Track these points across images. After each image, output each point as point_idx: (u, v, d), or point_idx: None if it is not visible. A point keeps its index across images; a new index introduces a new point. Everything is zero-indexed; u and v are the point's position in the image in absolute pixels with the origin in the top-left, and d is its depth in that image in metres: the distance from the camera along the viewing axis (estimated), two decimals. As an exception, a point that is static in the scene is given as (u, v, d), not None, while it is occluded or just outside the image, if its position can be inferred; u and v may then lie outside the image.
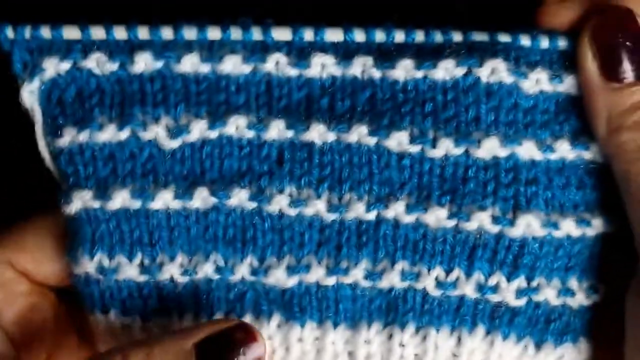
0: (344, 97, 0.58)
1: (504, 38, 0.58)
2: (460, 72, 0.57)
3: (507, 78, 0.57)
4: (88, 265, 0.59)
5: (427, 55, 0.58)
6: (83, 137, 0.58)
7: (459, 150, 0.57)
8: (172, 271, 0.59)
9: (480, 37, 0.58)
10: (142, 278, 0.59)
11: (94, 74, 0.58)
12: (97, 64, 0.58)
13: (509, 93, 0.57)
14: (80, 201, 0.58)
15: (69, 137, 0.58)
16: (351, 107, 0.58)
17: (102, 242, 0.59)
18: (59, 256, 0.61)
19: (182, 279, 0.59)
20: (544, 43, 0.58)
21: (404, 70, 0.57)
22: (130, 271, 0.59)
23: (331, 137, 0.58)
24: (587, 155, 0.58)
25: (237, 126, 0.58)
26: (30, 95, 0.58)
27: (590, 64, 0.56)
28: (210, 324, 0.54)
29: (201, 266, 0.59)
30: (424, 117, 0.58)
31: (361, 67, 0.58)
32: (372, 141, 0.58)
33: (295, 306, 0.60)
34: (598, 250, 0.60)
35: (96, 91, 0.58)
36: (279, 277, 0.59)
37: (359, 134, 0.58)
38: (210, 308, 0.60)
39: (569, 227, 0.58)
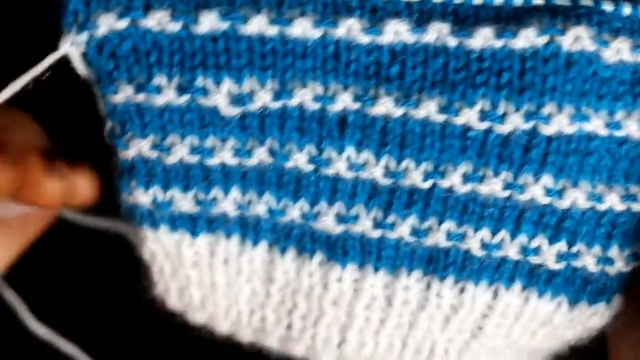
0: (415, 65, 0.55)
1: (586, 2, 0.54)
2: (542, 40, 0.54)
3: (590, 46, 0.54)
4: (142, 199, 0.57)
5: (505, 20, 0.54)
6: (140, 98, 0.54)
7: (527, 126, 0.55)
8: (226, 208, 0.58)
9: (562, 0, 0.54)
10: (197, 209, 0.58)
11: (152, 32, 0.53)
12: (158, 23, 0.52)
13: (588, 62, 0.55)
14: (137, 150, 0.56)
15: (123, 95, 0.54)
16: (422, 76, 0.55)
17: (157, 179, 0.57)
18: None
19: (235, 213, 0.58)
20: (626, 10, 0.55)
21: (482, 39, 0.54)
22: (185, 205, 0.58)
23: (399, 112, 0.55)
24: None
25: (302, 99, 0.55)
26: (76, 45, 0.53)
27: None
28: None
29: (254, 206, 0.58)
30: (498, 88, 0.55)
31: (436, 34, 0.54)
32: (440, 118, 0.55)
33: (338, 248, 0.59)
34: None
35: (154, 48, 0.53)
36: (328, 224, 0.58)
37: (428, 111, 0.55)
38: (256, 234, 0.60)
39: (612, 202, 0.57)
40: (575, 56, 0.54)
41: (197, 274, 0.62)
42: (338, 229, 0.59)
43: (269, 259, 0.61)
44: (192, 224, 0.59)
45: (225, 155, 0.56)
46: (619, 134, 0.56)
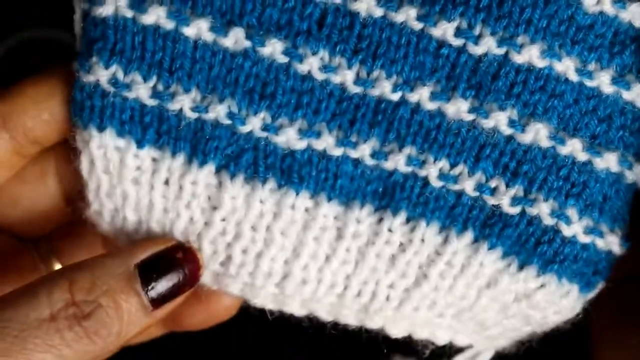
0: None
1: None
2: None
3: None
4: (101, 74, 0.56)
5: None
6: None
7: (499, 51, 0.56)
8: (184, 103, 0.56)
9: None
10: (152, 102, 0.56)
11: None
12: None
13: (567, 4, 0.56)
14: (114, 6, 0.55)
15: None
16: None
17: (122, 55, 0.56)
18: None
19: (190, 115, 0.57)
20: None
21: None
22: (141, 91, 0.56)
23: (378, 12, 0.56)
24: (626, 95, 0.57)
25: None
26: None
27: None
28: (149, 244, 0.56)
29: (214, 107, 0.57)
30: (476, 10, 0.56)
31: None
32: (418, 26, 0.56)
33: (294, 173, 0.58)
34: (613, 192, 0.59)
35: None
36: (290, 138, 0.57)
37: (407, 15, 0.56)
38: (204, 156, 0.58)
39: (575, 148, 0.58)
40: None
41: (135, 193, 0.59)
42: (299, 145, 0.57)
43: (217, 182, 0.58)
44: (141, 130, 0.57)
45: (202, 26, 0.55)
46: (590, 84, 0.57)
